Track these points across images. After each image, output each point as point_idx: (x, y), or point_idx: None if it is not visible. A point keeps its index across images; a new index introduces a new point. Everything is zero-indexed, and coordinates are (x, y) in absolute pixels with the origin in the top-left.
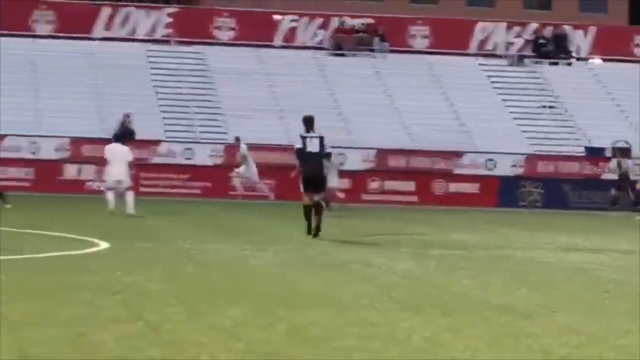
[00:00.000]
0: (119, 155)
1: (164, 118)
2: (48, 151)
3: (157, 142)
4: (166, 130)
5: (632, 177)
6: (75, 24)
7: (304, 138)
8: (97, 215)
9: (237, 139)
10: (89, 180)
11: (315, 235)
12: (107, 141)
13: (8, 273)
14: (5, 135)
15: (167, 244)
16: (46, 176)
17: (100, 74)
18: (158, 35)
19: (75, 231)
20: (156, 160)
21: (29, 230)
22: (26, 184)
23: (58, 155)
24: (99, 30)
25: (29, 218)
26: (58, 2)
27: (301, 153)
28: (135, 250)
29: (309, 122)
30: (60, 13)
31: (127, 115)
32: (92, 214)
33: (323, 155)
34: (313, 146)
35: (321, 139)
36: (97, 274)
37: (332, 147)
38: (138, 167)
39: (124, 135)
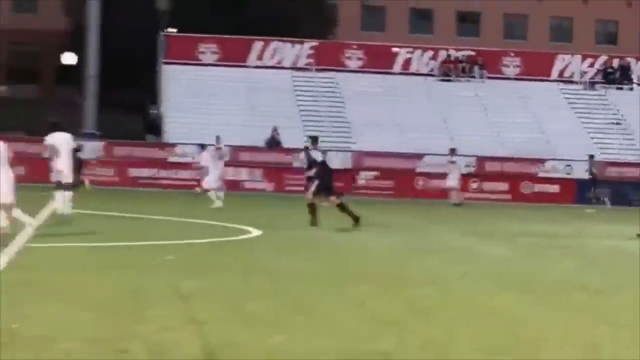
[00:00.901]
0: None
1: (305, 130)
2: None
3: (299, 150)
4: (306, 141)
5: None
6: (234, 55)
7: (323, 152)
8: (252, 208)
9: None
10: (244, 181)
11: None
12: (258, 150)
13: (179, 254)
14: (176, 144)
15: (308, 232)
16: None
17: (254, 95)
18: (301, 64)
19: (233, 221)
20: (298, 164)
21: (196, 220)
22: (194, 183)
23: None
24: (253, 59)
25: (195, 210)
26: (220, 37)
27: (322, 164)
28: (282, 237)
29: (315, 140)
30: (223, 46)
31: (275, 129)
32: (247, 207)
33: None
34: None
35: (323, 152)
36: (251, 256)
37: (457, 155)
38: (283, 170)
39: (273, 144)
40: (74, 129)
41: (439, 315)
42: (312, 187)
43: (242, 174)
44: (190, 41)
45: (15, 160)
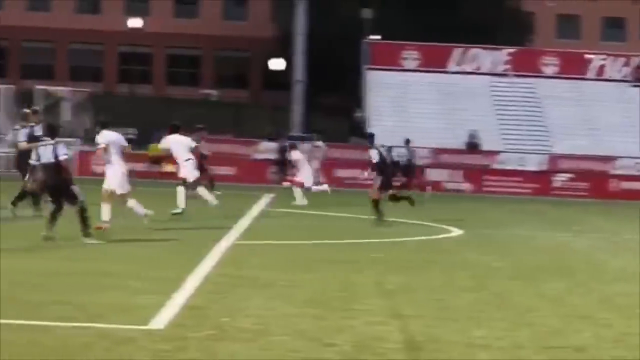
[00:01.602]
0: None
1: (502, 134)
2: (414, 159)
3: (496, 152)
4: (504, 143)
5: None
6: (434, 61)
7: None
8: (452, 208)
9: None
10: (445, 182)
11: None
12: (459, 152)
13: (385, 252)
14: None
15: (505, 231)
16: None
17: (453, 99)
18: (498, 70)
19: (435, 220)
20: (496, 166)
21: (398, 219)
22: (397, 183)
23: (422, 162)
24: (452, 65)
25: (398, 210)
26: (422, 44)
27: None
28: (481, 236)
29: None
30: (424, 52)
31: (473, 132)
32: (448, 207)
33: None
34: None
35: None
36: (452, 253)
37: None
38: (481, 171)
39: (472, 147)
40: (282, 132)
41: (635, 311)
42: (376, 184)
43: (443, 175)
44: (393, 48)
45: (225, 161)
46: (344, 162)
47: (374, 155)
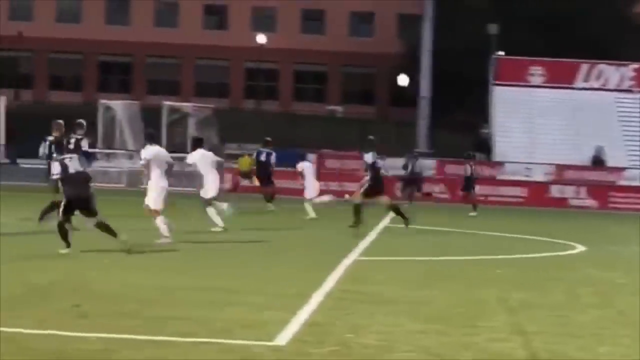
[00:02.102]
0: None
1: (627, 150)
2: (538, 175)
3: (622, 169)
4: (629, 160)
5: None
6: (560, 77)
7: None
8: (576, 224)
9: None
10: (570, 198)
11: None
12: (583, 168)
13: (504, 269)
14: (503, 162)
15: (630, 248)
16: (537, 195)
17: (578, 115)
18: (624, 86)
19: (559, 237)
20: (621, 182)
21: (521, 236)
22: (520, 200)
23: (546, 178)
24: (579, 82)
25: (521, 226)
26: (548, 60)
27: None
28: (605, 252)
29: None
30: (550, 68)
31: (600, 147)
32: (572, 224)
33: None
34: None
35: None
36: (576, 270)
37: None
38: (607, 188)
39: (598, 163)
40: (407, 148)
41: None
42: (362, 189)
43: (568, 191)
44: (519, 64)
45: (351, 177)
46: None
47: (368, 158)
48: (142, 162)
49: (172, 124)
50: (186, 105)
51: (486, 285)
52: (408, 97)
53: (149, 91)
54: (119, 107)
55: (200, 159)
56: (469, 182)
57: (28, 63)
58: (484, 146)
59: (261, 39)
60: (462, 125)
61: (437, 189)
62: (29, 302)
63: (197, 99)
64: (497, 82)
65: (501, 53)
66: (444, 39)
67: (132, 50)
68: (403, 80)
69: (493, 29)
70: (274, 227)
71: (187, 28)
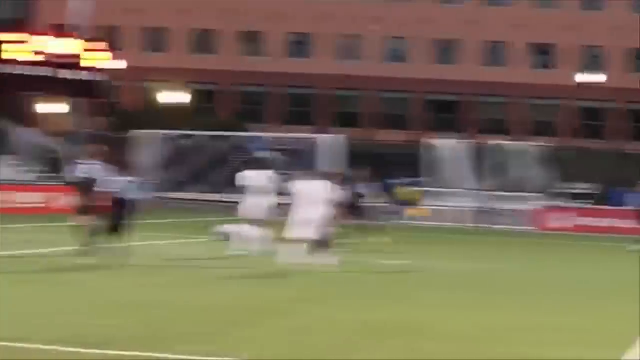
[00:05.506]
0: None
1: None
2: None
3: None
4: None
5: None
6: None
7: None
8: None
9: None
10: None
11: None
12: None
13: None
14: None
15: None
16: None
17: None
18: None
19: None
20: None
21: None
22: None
23: None
24: None
25: None
26: None
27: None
28: None
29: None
30: None
31: None
32: None
33: None
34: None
35: None
36: None
37: None
38: None
39: None
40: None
41: None
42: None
43: None
44: None
45: None
46: None
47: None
48: None
49: (501, 163)
50: (514, 144)
51: None
52: None
53: (480, 131)
54: (445, 145)
55: (249, 180)
56: None
57: (356, 101)
58: None
59: (591, 78)
60: None
61: None
62: None
63: (527, 138)
64: None
65: None
66: None
67: (462, 89)
68: None
69: None
70: None
71: (515, 67)
